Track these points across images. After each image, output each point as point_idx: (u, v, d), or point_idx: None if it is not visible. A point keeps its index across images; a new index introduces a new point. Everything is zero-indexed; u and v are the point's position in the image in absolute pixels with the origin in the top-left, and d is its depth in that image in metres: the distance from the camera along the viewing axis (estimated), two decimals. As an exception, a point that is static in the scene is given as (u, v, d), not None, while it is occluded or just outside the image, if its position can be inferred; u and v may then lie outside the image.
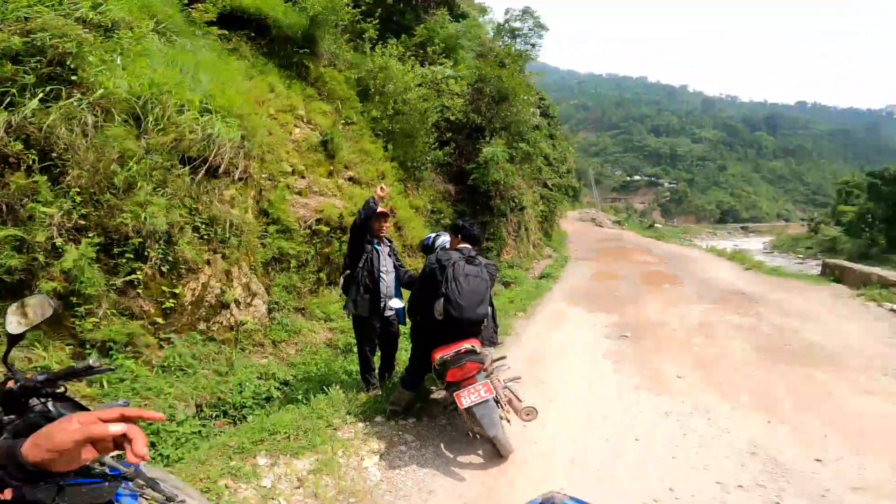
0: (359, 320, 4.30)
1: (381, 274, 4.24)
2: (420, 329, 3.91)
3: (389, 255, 4.41)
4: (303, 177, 6.23)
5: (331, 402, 4.07)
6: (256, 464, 3.25)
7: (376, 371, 4.53)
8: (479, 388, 3.37)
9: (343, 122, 8.23)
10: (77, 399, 1.78)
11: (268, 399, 4.27)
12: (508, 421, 3.70)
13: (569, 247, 19.47)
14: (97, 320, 3.54)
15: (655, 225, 39.97)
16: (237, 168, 4.78)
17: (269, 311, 5.18)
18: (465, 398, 3.35)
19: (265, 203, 5.41)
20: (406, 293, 4.44)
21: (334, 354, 5.22)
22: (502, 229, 12.18)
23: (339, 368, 4.96)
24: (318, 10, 7.76)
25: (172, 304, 4.00)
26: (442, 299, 3.46)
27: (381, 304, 4.24)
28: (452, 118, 10.69)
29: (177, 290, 4.04)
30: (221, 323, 4.51)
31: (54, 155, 3.46)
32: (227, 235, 4.49)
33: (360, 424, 3.87)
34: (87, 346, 3.50)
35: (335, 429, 3.76)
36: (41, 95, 3.47)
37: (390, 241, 4.57)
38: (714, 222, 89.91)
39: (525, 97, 12.53)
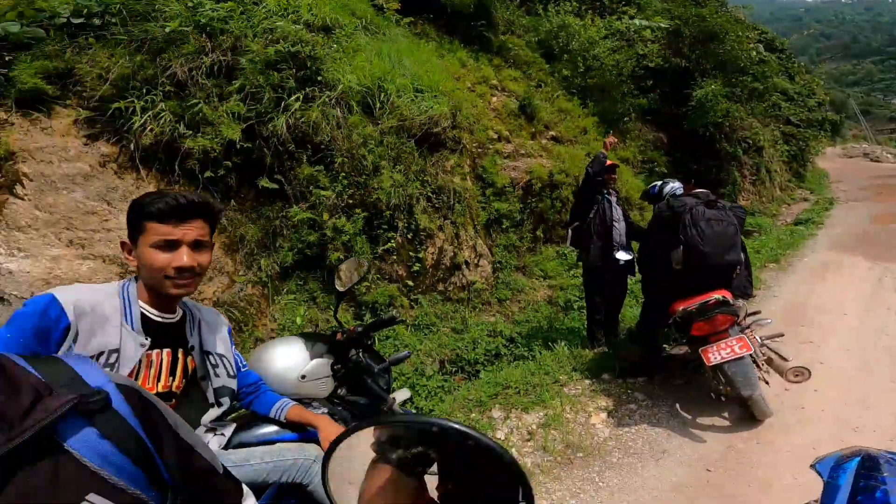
0: (591, 270, 4.34)
1: (613, 223, 4.22)
2: (654, 281, 3.69)
3: (618, 205, 4.36)
4: (508, 141, 6.46)
5: (556, 358, 4.12)
6: (492, 416, 3.44)
7: (603, 326, 4.48)
8: (731, 343, 3.02)
9: (535, 84, 8.16)
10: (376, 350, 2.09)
11: (497, 355, 4.45)
12: (766, 382, 3.22)
13: (833, 187, 15.42)
14: (368, 284, 4.28)
15: (968, 154, 28.59)
16: (451, 140, 5.23)
17: (494, 270, 5.53)
18: (714, 354, 3.04)
19: (479, 169, 5.80)
20: (636, 246, 4.31)
21: (555, 311, 5.32)
22: (734, 173, 10.45)
23: (562, 325, 5.03)
24: None
25: (418, 268, 4.61)
26: (680, 248, 3.17)
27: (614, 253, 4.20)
28: (651, 65, 9.62)
29: (420, 255, 4.63)
30: (455, 283, 4.99)
31: (322, 147, 4.27)
32: (453, 202, 4.96)
33: (587, 381, 3.86)
34: (362, 308, 4.23)
35: (562, 385, 3.82)
36: (300, 96, 4.17)
37: (617, 192, 4.51)
38: None
39: (738, 33, 10.54)
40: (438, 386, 3.99)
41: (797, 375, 3.12)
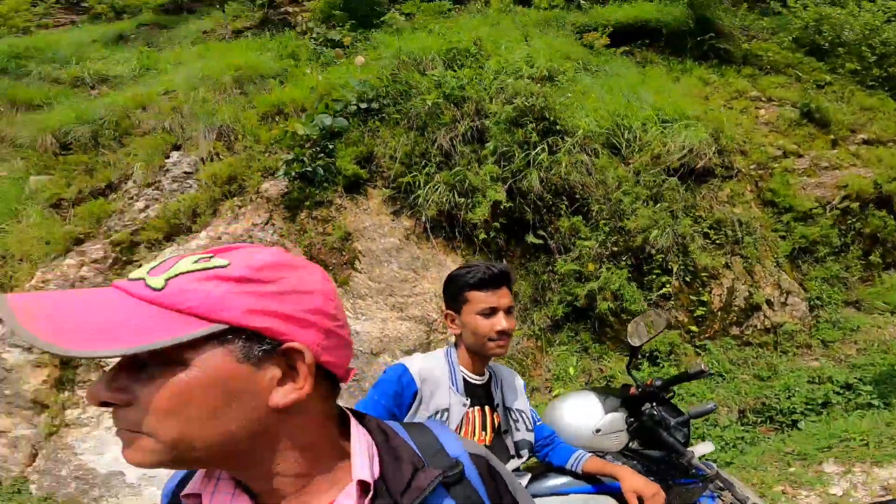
0: None
1: None
2: None
3: None
4: (800, 156, 5.32)
5: None
6: (822, 471, 3.14)
7: None
8: None
9: (813, 85, 6.67)
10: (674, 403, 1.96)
11: (825, 404, 3.91)
12: None
13: None
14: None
15: None
16: (720, 166, 4.68)
17: (811, 308, 4.58)
18: None
19: (767, 194, 4.93)
20: None
21: None
22: None
23: None
24: None
25: (703, 312, 4.13)
26: None
27: None
28: None
29: (703, 298, 4.15)
30: (755, 326, 4.33)
31: (577, 196, 4.37)
32: (739, 235, 4.35)
33: None
34: (638, 357, 3.93)
35: None
36: (545, 148, 4.37)
37: None
38: None
39: None
40: (738, 437, 3.66)
41: None
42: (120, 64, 8.08)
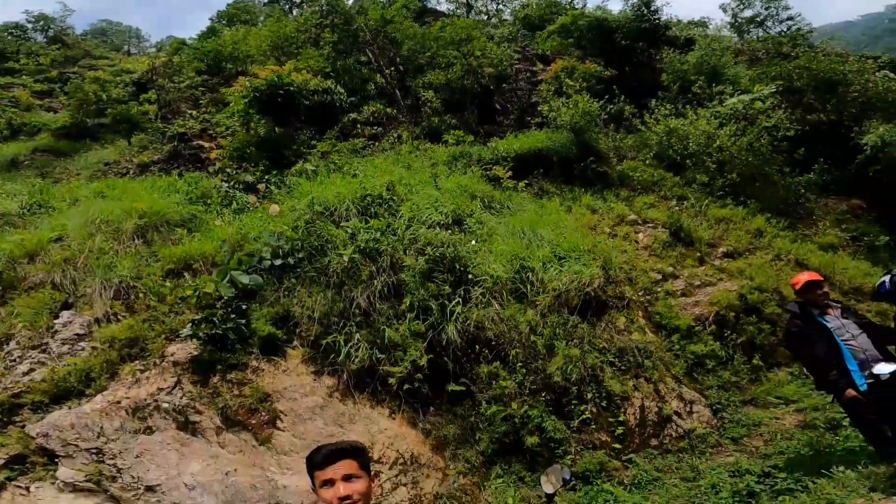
0: (845, 406, 3.71)
1: (842, 342, 3.62)
2: None
3: (845, 317, 3.74)
4: (676, 277, 6.10)
5: (838, 484, 3.61)
6: None
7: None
8: None
9: (675, 204, 7.79)
10: None
11: (750, 494, 4.04)
12: None
13: None
14: (572, 457, 4.20)
15: None
16: (613, 297, 5.23)
17: (714, 412, 5.03)
18: None
19: (656, 317, 5.53)
20: None
21: (818, 434, 4.53)
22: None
23: (834, 447, 4.34)
24: (570, 120, 8.27)
25: (622, 431, 4.43)
26: None
27: (867, 373, 3.52)
28: (790, 133, 8.56)
29: (620, 418, 4.46)
30: (670, 435, 4.66)
31: (493, 342, 4.59)
32: (640, 359, 4.78)
33: (896, 499, 3.20)
34: (573, 479, 4.06)
35: None
36: (459, 300, 4.62)
37: (839, 303, 3.94)
38: None
39: (850, 69, 9.79)
40: None
41: None
42: (9, 198, 7.43)
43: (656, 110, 9.33)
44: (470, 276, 4.93)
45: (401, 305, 4.67)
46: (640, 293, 5.60)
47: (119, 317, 4.70)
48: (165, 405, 4.15)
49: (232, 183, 6.87)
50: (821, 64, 9.88)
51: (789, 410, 5.11)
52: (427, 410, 4.38)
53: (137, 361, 4.36)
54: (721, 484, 4.13)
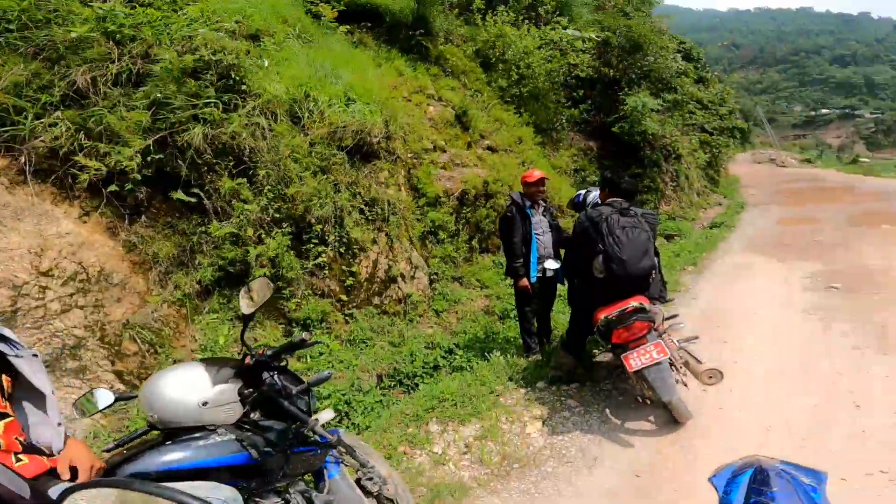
0: (517, 291, 4.36)
1: (535, 235, 4.24)
2: (579, 290, 3.79)
3: (544, 215, 4.38)
4: (444, 151, 6.47)
5: (492, 368, 4.11)
6: (429, 430, 3.42)
7: (535, 335, 4.57)
8: (649, 349, 3.15)
9: (472, 94, 8.26)
10: (293, 371, 2.02)
11: (436, 367, 4.44)
12: (685, 385, 3.40)
13: (743, 192, 16.88)
14: (298, 300, 4.14)
15: (860, 159, 32.32)
16: (385, 150, 5.15)
17: (431, 282, 5.51)
18: (634, 360, 3.16)
19: (414, 180, 5.76)
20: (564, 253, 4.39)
21: (492, 321, 5.34)
22: (657, 180, 11.18)
23: (499, 335, 5.03)
24: None
25: (352, 282, 4.51)
26: (601, 256, 3.27)
27: (540, 266, 4.24)
28: (582, 75, 10.11)
29: (353, 269, 4.52)
30: (392, 296, 4.94)
31: (245, 158, 4.06)
32: (387, 214, 4.88)
33: (522, 391, 3.88)
34: (293, 325, 4.11)
35: (498, 395, 3.79)
36: (219, 105, 3.93)
37: (545, 201, 4.52)
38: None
39: (660, 43, 11.53)
40: (377, 401, 3.92)
41: (710, 377, 3.31)
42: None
43: (500, 14, 9.32)
44: (244, 88, 4.15)
45: (136, 94, 3.65)
46: (409, 155, 5.74)
47: None
48: None
49: None
50: (641, 28, 11.04)
51: (481, 294, 5.73)
52: (137, 220, 3.63)
53: None
54: (417, 353, 4.45)
